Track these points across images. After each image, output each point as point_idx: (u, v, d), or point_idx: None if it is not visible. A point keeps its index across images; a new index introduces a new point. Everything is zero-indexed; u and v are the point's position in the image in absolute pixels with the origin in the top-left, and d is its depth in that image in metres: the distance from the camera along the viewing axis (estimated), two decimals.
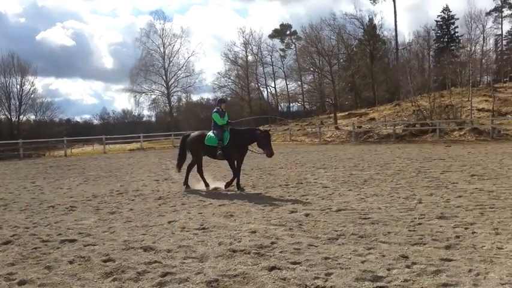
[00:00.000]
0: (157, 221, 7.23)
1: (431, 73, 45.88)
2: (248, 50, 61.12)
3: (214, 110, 10.79)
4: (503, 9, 54.85)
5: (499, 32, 55.89)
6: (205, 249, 5.41)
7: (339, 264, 4.69)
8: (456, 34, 56.67)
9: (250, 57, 61.62)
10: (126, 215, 7.90)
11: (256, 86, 62.86)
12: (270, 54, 62.36)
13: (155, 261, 4.97)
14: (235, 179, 10.46)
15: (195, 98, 76.00)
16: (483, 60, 47.06)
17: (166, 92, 62.08)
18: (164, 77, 61.27)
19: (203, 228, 6.56)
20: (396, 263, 4.65)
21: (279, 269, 4.57)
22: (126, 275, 4.58)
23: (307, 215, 7.30)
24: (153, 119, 74.93)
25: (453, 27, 57.23)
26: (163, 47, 61.05)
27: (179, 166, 11.59)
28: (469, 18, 46.52)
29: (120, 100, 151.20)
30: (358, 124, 37.95)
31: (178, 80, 62.81)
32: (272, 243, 5.57)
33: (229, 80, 63.08)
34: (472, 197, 8.29)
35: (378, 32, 57.75)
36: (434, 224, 6.31)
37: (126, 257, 5.20)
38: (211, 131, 10.70)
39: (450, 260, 4.68)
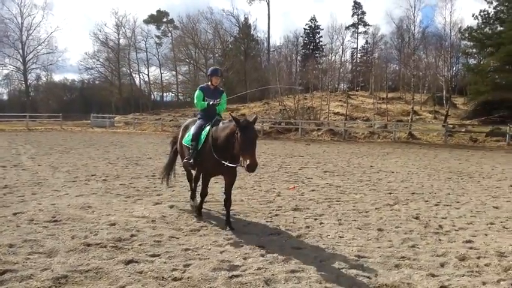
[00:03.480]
0: (0, 213, 6.39)
1: (298, 76, 49.52)
2: (121, 32, 57.78)
3: (200, 86, 6.85)
4: (359, 26, 61.98)
5: (355, 46, 63.10)
6: (55, 243, 4.97)
7: (199, 255, 4.78)
8: (320, 43, 62.23)
9: (122, 41, 58.32)
10: None
11: (128, 71, 59.84)
12: (145, 40, 59.96)
13: None
14: (201, 203, 6.69)
15: (57, 77, 69.24)
16: (341, 69, 52.57)
17: (22, 68, 55.10)
18: (21, 51, 54.33)
19: (55, 221, 6.01)
20: (252, 252, 4.92)
21: (136, 262, 4.45)
22: None
23: (171, 206, 7.25)
24: (5, 97, 65.97)
25: (318, 36, 62.69)
26: (21, 17, 54.16)
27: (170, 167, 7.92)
28: (331, 30, 51.65)
29: None
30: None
31: (38, 56, 56.39)
32: (132, 235, 5.39)
33: (98, 62, 58.90)
34: (323, 191, 9.21)
35: (252, 31, 60.05)
36: (289, 215, 6.84)
37: None
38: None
39: (300, 248, 5.13)
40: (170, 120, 41.17)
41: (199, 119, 6.65)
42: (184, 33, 51.39)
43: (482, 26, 34.61)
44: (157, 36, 62.62)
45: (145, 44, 59.98)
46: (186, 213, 6.72)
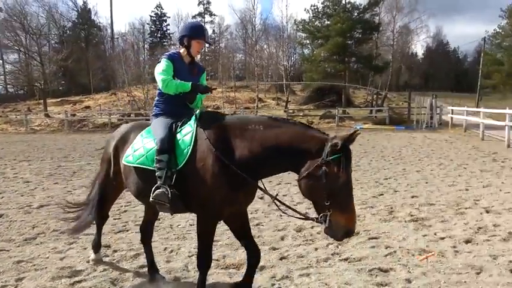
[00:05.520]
0: None
1: (146, 65, 48.00)
2: None
3: (167, 54, 3.78)
4: (205, 15, 62.99)
5: None
6: None
7: (34, 265, 4.32)
8: (168, 31, 61.43)
9: None
10: None
11: None
12: None
13: None
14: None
15: None
16: None
17: None
18: None
19: None
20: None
21: None
22: None
23: (0, 215, 6.36)
24: None
25: (165, 24, 61.73)
26: None
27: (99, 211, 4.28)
28: (177, 18, 51.36)
29: None
30: (72, 112, 35.73)
31: None
32: None
33: None
34: None
35: (93, 17, 55.93)
36: (138, 210, 6.63)
37: None
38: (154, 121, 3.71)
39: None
40: None
41: (158, 114, 3.69)
42: (10, 16, 44.74)
43: (313, 19, 38.62)
44: None
45: None
46: (18, 222, 5.97)
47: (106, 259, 4.47)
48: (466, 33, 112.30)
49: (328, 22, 37.30)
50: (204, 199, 3.17)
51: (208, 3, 63.12)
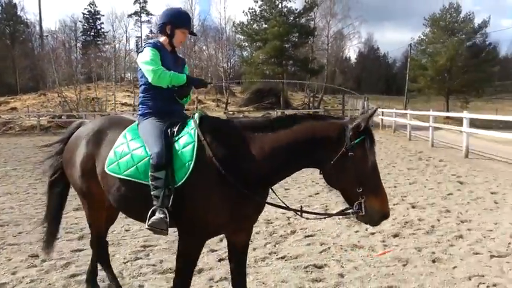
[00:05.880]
0: None
1: (79, 65, 45.81)
2: None
3: (150, 42, 3.23)
4: (141, 15, 61.35)
5: (139, 35, 62.29)
6: None
7: None
8: (102, 30, 59.05)
9: None
10: None
11: None
12: None
13: None
14: None
15: None
16: (126, 58, 51.16)
17: None
18: None
19: None
20: (24, 264, 4.39)
21: None
22: None
23: None
24: None
25: (99, 22, 59.32)
26: None
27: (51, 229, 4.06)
28: (112, 17, 49.60)
29: None
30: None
31: None
32: None
33: None
34: None
35: (19, 12, 52.37)
36: (70, 216, 6.32)
37: None
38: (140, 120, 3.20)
39: (81, 250, 4.83)
40: None
41: (146, 114, 3.16)
42: None
43: (251, 22, 39.04)
44: None
45: None
46: None
47: (33, 270, 4.21)
48: (395, 40, 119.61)
49: (266, 25, 37.91)
50: (202, 220, 2.74)
51: (145, 2, 61.63)
